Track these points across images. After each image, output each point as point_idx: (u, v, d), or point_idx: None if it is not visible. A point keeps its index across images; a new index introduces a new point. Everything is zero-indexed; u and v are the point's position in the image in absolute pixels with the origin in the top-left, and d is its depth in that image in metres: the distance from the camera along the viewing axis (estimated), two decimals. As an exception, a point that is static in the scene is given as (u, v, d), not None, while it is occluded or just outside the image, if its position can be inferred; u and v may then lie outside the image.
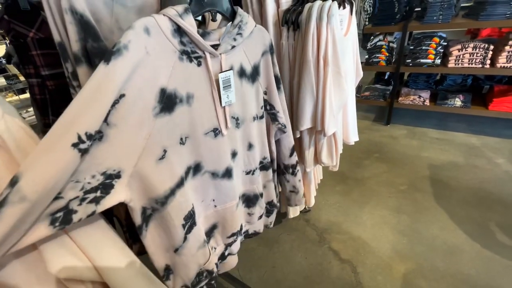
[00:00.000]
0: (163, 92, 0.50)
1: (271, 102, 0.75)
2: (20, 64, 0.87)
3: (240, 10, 0.62)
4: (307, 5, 0.95)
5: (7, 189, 0.39)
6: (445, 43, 2.28)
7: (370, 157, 2.22)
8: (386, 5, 2.32)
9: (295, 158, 0.91)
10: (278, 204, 0.94)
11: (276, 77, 0.74)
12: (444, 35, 2.30)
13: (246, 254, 1.46)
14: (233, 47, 0.59)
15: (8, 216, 0.39)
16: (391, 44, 2.47)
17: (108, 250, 0.51)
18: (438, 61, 2.30)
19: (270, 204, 0.90)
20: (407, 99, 2.58)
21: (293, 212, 1.51)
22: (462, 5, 2.46)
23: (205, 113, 0.59)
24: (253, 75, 0.68)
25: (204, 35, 0.56)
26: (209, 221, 0.73)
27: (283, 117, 0.79)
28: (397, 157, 2.18)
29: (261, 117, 0.74)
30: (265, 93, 0.74)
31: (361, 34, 3.31)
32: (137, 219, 0.55)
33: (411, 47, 2.38)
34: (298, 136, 1.14)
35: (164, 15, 0.49)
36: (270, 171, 0.84)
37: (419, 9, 2.41)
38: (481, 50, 2.13)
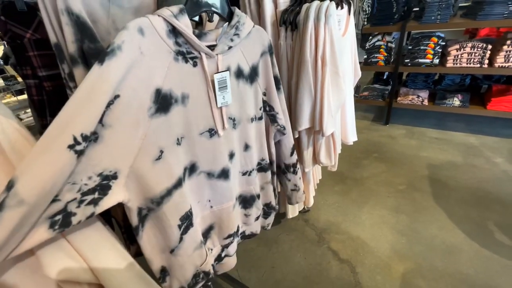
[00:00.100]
0: (158, 92, 0.50)
1: (271, 103, 0.75)
2: (17, 65, 0.87)
3: (237, 11, 0.62)
4: (305, 5, 0.95)
5: (4, 193, 0.39)
6: (443, 43, 2.28)
7: (369, 157, 2.22)
8: (384, 5, 2.33)
9: (295, 157, 0.91)
10: (276, 206, 0.93)
11: (275, 78, 0.74)
12: (442, 35, 2.30)
13: (245, 254, 1.46)
14: (230, 47, 0.59)
15: (6, 220, 0.39)
16: (389, 44, 2.47)
17: (104, 252, 0.51)
18: (436, 61, 2.30)
19: (267, 206, 0.90)
20: (405, 99, 2.58)
21: (292, 212, 1.50)
22: (460, 5, 2.47)
23: (201, 113, 0.59)
24: (251, 76, 0.68)
25: (200, 35, 0.56)
26: (206, 222, 0.72)
27: (283, 118, 0.79)
28: (396, 157, 2.19)
29: (260, 118, 0.74)
30: (264, 94, 0.73)
31: (360, 34, 3.31)
32: (134, 219, 0.55)
33: (410, 47, 2.39)
34: (296, 136, 1.14)
35: (158, 15, 0.49)
36: (269, 173, 0.84)
37: (417, 9, 2.42)
38: (479, 49, 2.13)
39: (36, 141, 0.48)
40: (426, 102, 2.51)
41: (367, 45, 2.58)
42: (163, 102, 0.51)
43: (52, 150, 0.41)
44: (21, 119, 2.34)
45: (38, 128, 0.94)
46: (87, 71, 0.46)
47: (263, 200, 0.88)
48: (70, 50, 0.52)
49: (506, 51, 2.04)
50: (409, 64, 2.40)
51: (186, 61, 0.54)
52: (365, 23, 3.40)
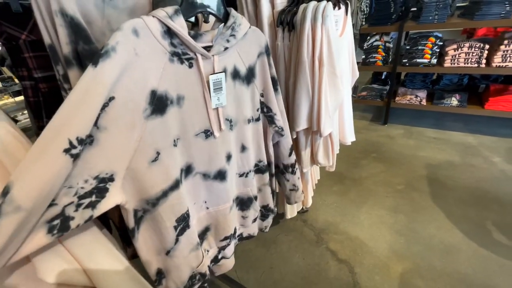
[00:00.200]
0: (153, 93, 0.50)
1: (268, 104, 0.75)
2: (13, 67, 0.87)
3: (233, 12, 0.62)
4: (302, 6, 0.95)
5: None
6: (441, 43, 2.29)
7: (368, 157, 2.22)
8: (382, 5, 2.33)
9: (294, 157, 0.91)
10: (275, 209, 0.93)
11: (273, 79, 0.74)
12: (440, 35, 2.31)
13: (244, 255, 1.46)
14: (226, 48, 0.59)
15: (4, 227, 0.39)
16: (387, 44, 2.48)
17: (98, 255, 0.50)
18: (434, 60, 2.30)
19: (265, 208, 0.89)
20: (404, 98, 2.59)
21: (291, 212, 1.50)
22: (457, 5, 2.47)
23: (196, 114, 0.59)
24: (248, 77, 0.68)
25: (196, 36, 0.55)
26: (202, 223, 0.72)
27: (281, 119, 0.79)
28: (394, 157, 2.19)
29: (257, 120, 0.74)
30: (262, 95, 0.73)
31: (358, 34, 3.32)
32: (131, 222, 0.55)
33: (407, 47, 2.39)
34: (294, 137, 1.14)
35: (153, 16, 0.49)
36: (267, 174, 0.84)
37: (415, 9, 2.42)
38: (476, 49, 2.14)
39: (31, 143, 0.48)
40: (424, 102, 2.52)
41: (365, 45, 2.59)
42: (158, 104, 0.51)
43: (48, 154, 0.41)
44: (18, 121, 2.33)
45: (35, 129, 0.94)
46: (82, 73, 0.46)
47: (261, 202, 0.87)
48: (64, 51, 0.51)
49: (504, 51, 2.05)
50: (407, 64, 2.41)
51: (182, 62, 0.54)
52: (363, 23, 3.40)
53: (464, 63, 2.21)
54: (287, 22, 0.98)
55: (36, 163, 0.41)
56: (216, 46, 0.58)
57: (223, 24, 0.61)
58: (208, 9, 0.58)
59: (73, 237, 0.49)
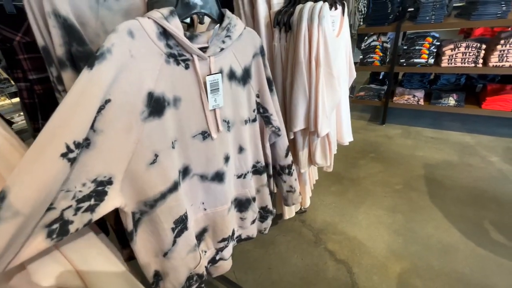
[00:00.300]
0: (150, 95, 0.50)
1: (264, 104, 0.75)
2: (8, 69, 0.86)
3: (228, 13, 0.61)
4: (298, 6, 0.95)
5: None
6: (438, 43, 2.29)
7: (366, 157, 2.22)
8: (379, 5, 2.34)
9: (290, 158, 0.91)
10: (274, 210, 0.93)
11: (268, 79, 0.73)
12: (437, 35, 2.31)
13: (242, 256, 1.45)
14: (222, 49, 0.59)
15: (2, 232, 0.38)
16: (385, 44, 2.48)
17: (93, 259, 0.50)
18: (431, 60, 2.31)
19: (264, 209, 0.89)
20: (401, 98, 2.59)
21: (289, 213, 1.50)
22: (454, 5, 2.48)
23: (193, 116, 0.59)
24: (244, 78, 0.68)
25: (191, 37, 0.55)
26: (199, 225, 0.72)
27: (277, 119, 0.79)
28: (392, 157, 2.19)
29: (254, 120, 0.74)
30: (258, 95, 0.73)
31: (356, 35, 3.32)
32: (129, 224, 0.55)
33: (405, 47, 2.40)
34: (291, 137, 1.14)
35: (149, 17, 0.48)
36: (265, 175, 0.84)
37: (412, 9, 2.43)
38: (473, 49, 2.15)
39: (24, 145, 0.48)
40: (421, 102, 2.52)
41: (362, 45, 2.59)
42: (156, 106, 0.51)
43: (45, 159, 0.41)
44: (15, 122, 2.31)
45: (31, 131, 0.93)
46: (76, 74, 0.46)
47: (259, 203, 0.87)
48: (58, 53, 0.51)
49: (500, 51, 2.05)
50: (405, 64, 2.41)
51: (178, 64, 0.53)
52: (361, 23, 3.41)
53: (461, 63, 2.21)
54: (284, 22, 0.98)
55: (33, 167, 0.40)
56: (212, 47, 0.57)
57: (218, 25, 0.61)
58: (203, 10, 0.57)
59: (68, 242, 0.48)
